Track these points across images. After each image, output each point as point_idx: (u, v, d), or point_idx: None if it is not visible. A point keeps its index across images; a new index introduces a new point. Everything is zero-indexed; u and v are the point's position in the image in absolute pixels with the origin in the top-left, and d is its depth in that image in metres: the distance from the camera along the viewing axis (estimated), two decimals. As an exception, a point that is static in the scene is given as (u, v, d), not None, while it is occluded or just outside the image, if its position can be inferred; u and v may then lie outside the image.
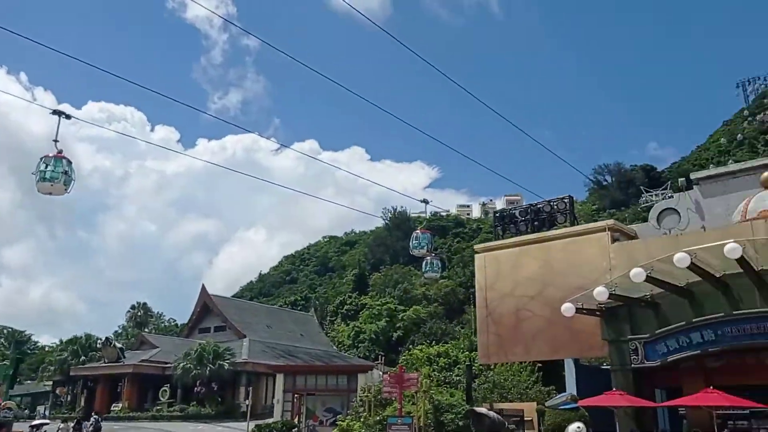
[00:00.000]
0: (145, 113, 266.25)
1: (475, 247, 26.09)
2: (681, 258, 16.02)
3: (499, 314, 23.07)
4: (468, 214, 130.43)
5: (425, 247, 29.54)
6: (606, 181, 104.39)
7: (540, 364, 31.05)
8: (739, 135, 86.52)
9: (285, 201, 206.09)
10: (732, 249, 15.33)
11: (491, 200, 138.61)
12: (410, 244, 29.68)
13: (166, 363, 50.40)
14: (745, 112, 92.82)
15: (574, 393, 19.14)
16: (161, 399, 48.66)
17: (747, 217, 18.08)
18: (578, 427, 12.92)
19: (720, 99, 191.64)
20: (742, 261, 15.66)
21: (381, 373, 32.93)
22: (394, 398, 22.70)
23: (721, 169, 21.07)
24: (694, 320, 17.02)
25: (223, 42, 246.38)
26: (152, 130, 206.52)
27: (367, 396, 25.18)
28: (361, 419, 23.93)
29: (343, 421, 24.87)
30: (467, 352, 35.13)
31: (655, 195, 64.96)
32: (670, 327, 17.47)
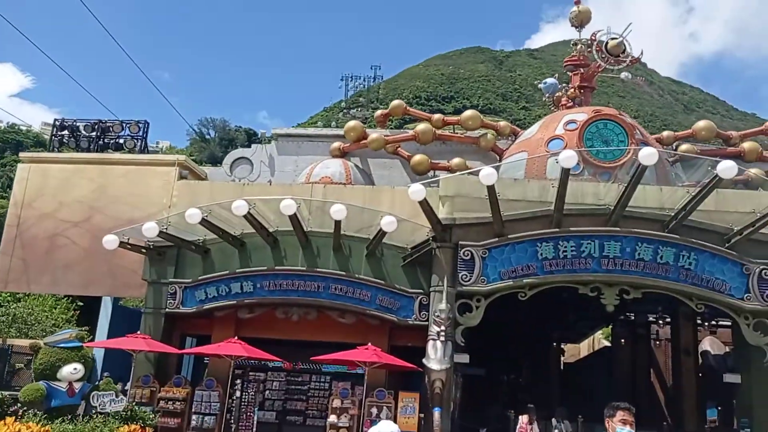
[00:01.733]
0: None
1: (21, 155, 21.77)
2: (239, 206, 15.34)
3: (32, 236, 19.48)
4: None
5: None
6: (209, 135, 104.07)
7: (81, 302, 27.96)
8: (333, 123, 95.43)
9: None
10: (287, 205, 15.22)
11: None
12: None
13: None
14: (343, 104, 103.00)
15: (92, 332, 17.09)
16: None
17: (310, 180, 18.55)
18: (74, 369, 10.88)
19: (329, 87, 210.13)
20: (294, 219, 15.74)
21: None
22: None
23: (300, 130, 21.55)
24: (237, 270, 16.59)
25: None
26: None
27: None
28: None
29: None
30: None
31: (249, 157, 66.80)
32: (214, 274, 16.76)
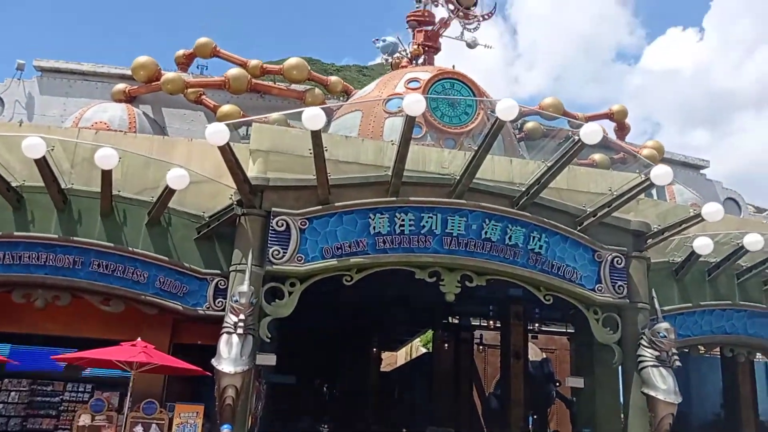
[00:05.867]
0: None
1: None
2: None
3: None
4: None
5: None
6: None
7: None
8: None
9: None
10: (33, 145, 10.99)
11: None
12: None
13: None
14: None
15: None
16: None
17: (79, 126, 14.16)
18: None
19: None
20: (46, 168, 11.47)
21: None
22: None
23: (72, 65, 16.76)
24: (-44, 235, 11.80)
25: None
26: None
27: None
28: None
29: None
30: None
31: None
32: None
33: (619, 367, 12.57)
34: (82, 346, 13.05)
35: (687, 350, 14.05)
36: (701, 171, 20.18)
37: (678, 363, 11.74)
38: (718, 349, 15.75)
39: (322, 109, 10.68)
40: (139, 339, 11.04)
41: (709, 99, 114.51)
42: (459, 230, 11.93)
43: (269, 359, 11.83)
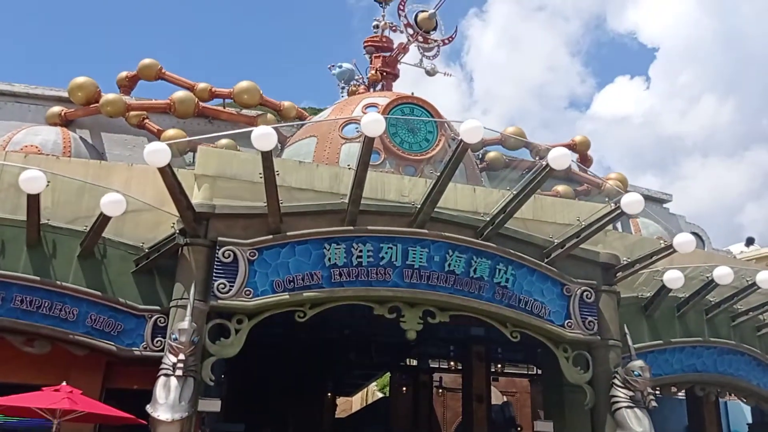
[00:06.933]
0: None
1: None
2: None
3: None
4: None
5: None
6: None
7: None
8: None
9: None
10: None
11: None
12: None
13: None
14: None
15: None
16: None
17: (7, 148, 13.03)
18: None
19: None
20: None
21: None
22: None
23: (2, 86, 15.61)
24: None
25: None
26: None
27: None
28: None
29: None
30: None
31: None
32: None
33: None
34: (2, 392, 11.69)
35: (659, 390, 13.37)
36: (664, 205, 20.08)
37: (654, 403, 11.06)
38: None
39: (274, 130, 9.87)
40: (63, 383, 9.77)
41: (657, 145, 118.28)
42: (421, 262, 11.14)
43: (213, 405, 10.67)
